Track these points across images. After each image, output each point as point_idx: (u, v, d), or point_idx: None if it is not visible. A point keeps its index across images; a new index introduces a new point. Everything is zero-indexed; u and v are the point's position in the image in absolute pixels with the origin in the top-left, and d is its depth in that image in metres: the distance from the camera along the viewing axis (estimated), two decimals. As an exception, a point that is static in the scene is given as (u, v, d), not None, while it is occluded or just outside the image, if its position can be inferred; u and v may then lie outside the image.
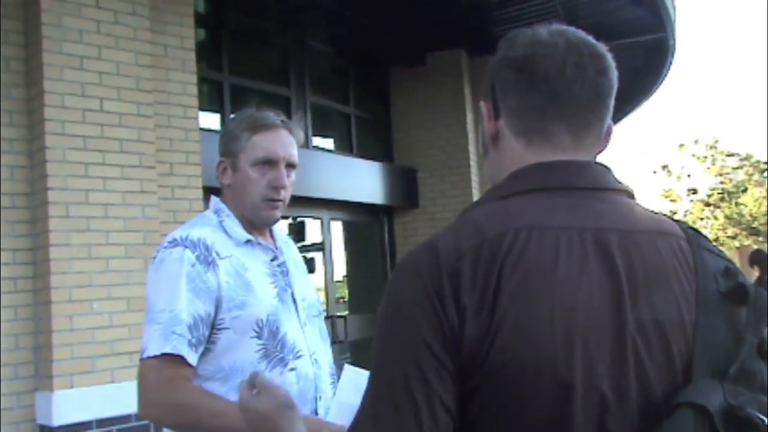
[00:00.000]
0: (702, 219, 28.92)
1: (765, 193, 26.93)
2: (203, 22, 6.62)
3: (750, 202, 27.13)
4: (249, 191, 1.97)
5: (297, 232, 7.68)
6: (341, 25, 7.83)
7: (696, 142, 29.27)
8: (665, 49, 9.05)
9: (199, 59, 5.63)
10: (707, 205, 28.69)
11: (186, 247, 1.86)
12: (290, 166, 2.01)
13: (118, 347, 4.62)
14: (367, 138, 8.82)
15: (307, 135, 7.64)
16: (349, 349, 7.73)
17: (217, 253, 1.89)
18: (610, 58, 1.06)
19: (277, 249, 2.05)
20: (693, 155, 29.23)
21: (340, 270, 8.34)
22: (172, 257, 1.86)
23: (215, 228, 1.96)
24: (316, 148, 8.02)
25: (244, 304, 1.86)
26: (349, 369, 1.81)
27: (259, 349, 1.87)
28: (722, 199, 28.24)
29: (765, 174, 27.77)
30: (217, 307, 1.85)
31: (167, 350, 1.78)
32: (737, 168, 28.56)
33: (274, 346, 1.88)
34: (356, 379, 1.74)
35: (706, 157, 29.02)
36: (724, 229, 28.07)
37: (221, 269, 1.87)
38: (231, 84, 6.88)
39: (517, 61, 1.04)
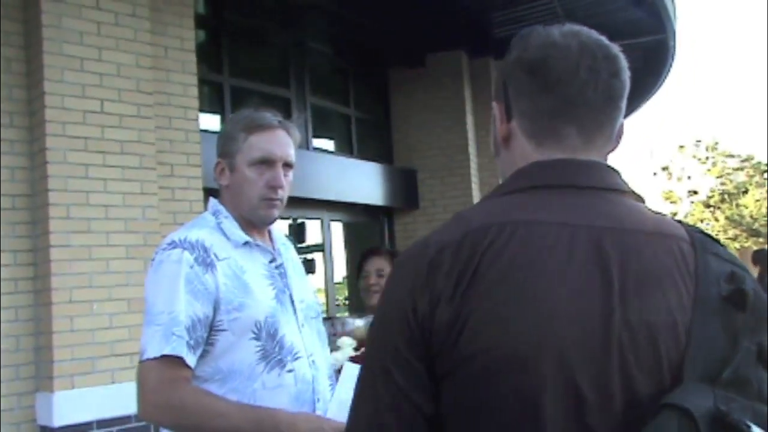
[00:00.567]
0: (702, 221, 28.91)
1: (765, 195, 26.93)
2: (203, 24, 6.63)
3: (750, 204, 27.13)
4: (247, 191, 1.97)
5: (297, 233, 7.68)
6: (341, 26, 7.84)
7: (696, 143, 29.28)
8: (665, 51, 9.06)
9: (199, 61, 5.63)
10: (708, 206, 28.68)
11: (184, 248, 1.86)
12: (287, 165, 2.01)
13: (118, 348, 4.63)
14: (367, 139, 8.82)
15: (307, 136, 7.64)
16: (349, 350, 7.71)
17: (216, 255, 1.89)
18: (623, 59, 1.06)
19: (275, 251, 2.05)
20: (693, 157, 29.24)
21: (340, 271, 8.34)
22: (170, 259, 1.86)
23: (213, 230, 1.96)
24: (316, 149, 8.03)
25: (242, 306, 1.86)
26: (349, 366, 1.80)
27: (258, 351, 1.87)
28: (723, 201, 28.24)
29: (765, 175, 27.77)
30: (215, 309, 1.85)
31: (167, 352, 1.78)
32: (738, 169, 28.55)
33: (273, 347, 1.88)
34: (357, 375, 1.74)
35: (706, 159, 29.02)
36: (724, 231, 28.06)
37: (219, 271, 1.87)
38: (231, 85, 6.89)
39: (530, 63, 1.04)
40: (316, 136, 8.07)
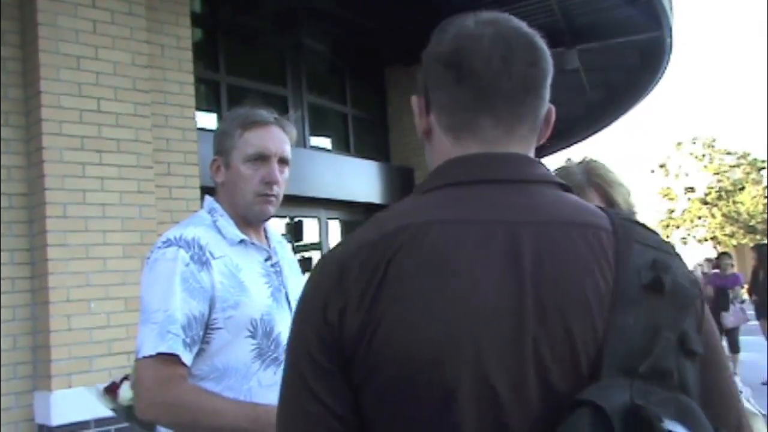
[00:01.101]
0: (700, 217, 28.96)
1: (762, 192, 26.98)
2: (200, 22, 6.63)
3: (747, 201, 27.19)
4: (242, 187, 1.97)
5: (294, 231, 7.68)
6: (337, 25, 7.84)
7: (694, 140, 29.32)
8: (662, 48, 9.05)
9: (195, 59, 5.64)
10: (705, 203, 28.74)
11: (180, 246, 1.87)
12: (283, 161, 2.01)
13: (115, 347, 4.63)
14: (364, 137, 8.83)
15: (304, 134, 7.64)
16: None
17: (211, 253, 1.89)
18: (541, 46, 1.02)
19: (271, 249, 2.05)
20: (690, 154, 29.28)
21: (337, 269, 8.33)
22: (166, 257, 1.86)
23: (209, 228, 1.96)
24: (313, 147, 8.03)
25: (238, 305, 1.87)
26: None
27: (253, 349, 1.87)
28: (720, 198, 28.30)
29: (762, 172, 27.83)
30: (211, 307, 1.85)
31: (163, 350, 1.78)
32: (735, 166, 28.62)
33: (268, 345, 1.89)
34: None
35: (703, 156, 29.07)
36: (721, 228, 28.11)
37: (215, 269, 1.87)
38: (228, 84, 6.89)
39: (444, 55, 1.01)
40: (313, 135, 8.07)
